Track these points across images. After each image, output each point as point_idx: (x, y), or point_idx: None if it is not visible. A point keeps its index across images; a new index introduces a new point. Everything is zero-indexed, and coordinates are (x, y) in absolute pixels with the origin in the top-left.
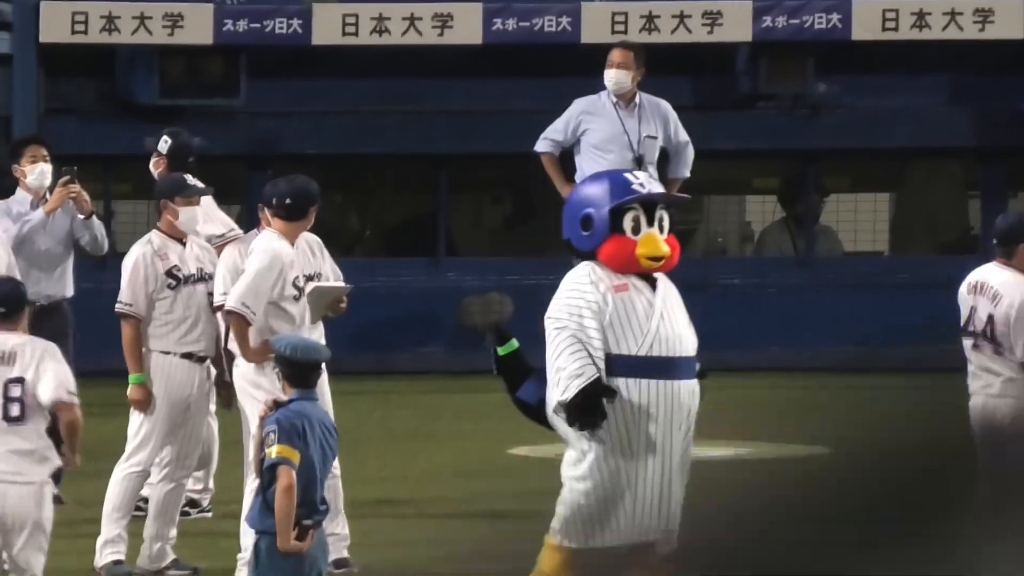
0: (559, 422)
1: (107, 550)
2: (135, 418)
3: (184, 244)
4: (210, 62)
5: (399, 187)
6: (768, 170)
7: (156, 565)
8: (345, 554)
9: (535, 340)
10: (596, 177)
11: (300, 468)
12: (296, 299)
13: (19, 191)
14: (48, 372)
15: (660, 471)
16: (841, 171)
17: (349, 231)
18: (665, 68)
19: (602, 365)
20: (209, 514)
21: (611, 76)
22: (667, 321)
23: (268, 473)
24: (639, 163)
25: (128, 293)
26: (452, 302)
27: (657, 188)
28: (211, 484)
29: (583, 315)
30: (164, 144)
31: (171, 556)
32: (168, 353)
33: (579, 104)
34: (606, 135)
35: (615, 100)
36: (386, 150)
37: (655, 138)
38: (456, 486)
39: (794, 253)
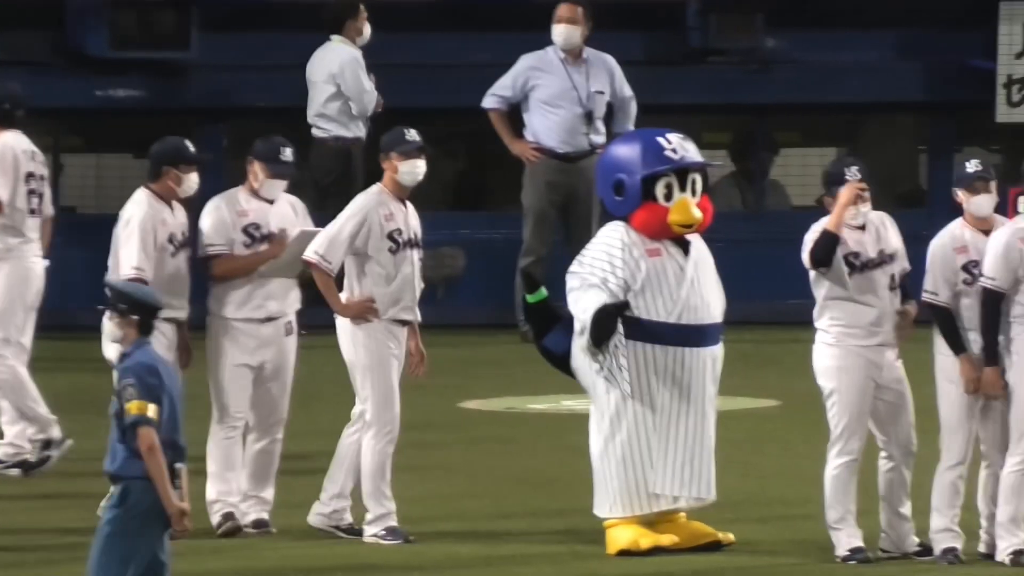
0: (582, 374)
1: None
2: None
3: (172, 208)
4: (162, 14)
5: None
6: (719, 125)
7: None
8: (265, 516)
9: (489, 294)
10: (628, 139)
11: (163, 415)
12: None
13: None
14: None
15: (687, 434)
16: (791, 126)
17: (302, 184)
18: (616, 23)
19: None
20: None
21: (559, 32)
22: (697, 288)
23: (130, 430)
24: (588, 118)
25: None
26: None
27: (691, 151)
28: None
29: (607, 280)
30: None
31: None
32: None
33: (527, 60)
34: (555, 91)
35: (563, 56)
36: None
37: (603, 93)
38: (406, 439)
39: (743, 208)
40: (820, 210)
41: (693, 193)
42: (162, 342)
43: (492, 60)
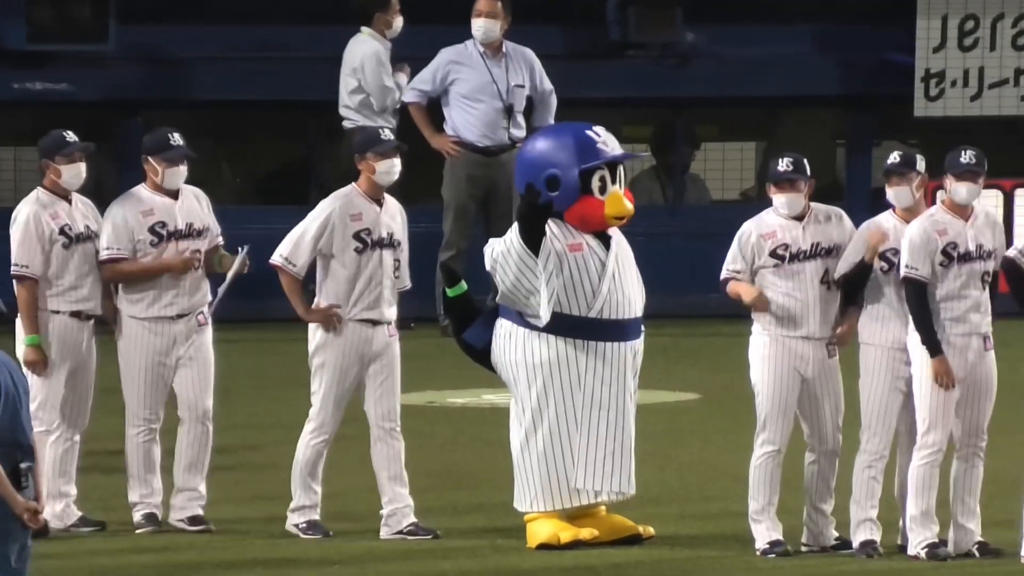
0: (502, 368)
1: None
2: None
3: (70, 202)
4: (79, 7)
5: (271, 134)
6: (638, 119)
7: (63, 523)
8: (199, 512)
9: (417, 286)
10: (554, 134)
11: (2, 414)
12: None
13: None
14: None
15: (608, 429)
16: (711, 120)
17: (220, 179)
18: (536, 17)
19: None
20: None
21: (479, 25)
22: (618, 282)
23: None
24: (508, 112)
25: (23, 254)
26: None
27: (615, 144)
28: None
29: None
30: None
31: (77, 513)
32: (59, 312)
33: (446, 54)
34: (475, 84)
35: (482, 50)
36: (258, 97)
37: (523, 87)
38: None
39: (663, 201)
40: (740, 204)
41: (619, 185)
42: (70, 337)
43: (411, 54)
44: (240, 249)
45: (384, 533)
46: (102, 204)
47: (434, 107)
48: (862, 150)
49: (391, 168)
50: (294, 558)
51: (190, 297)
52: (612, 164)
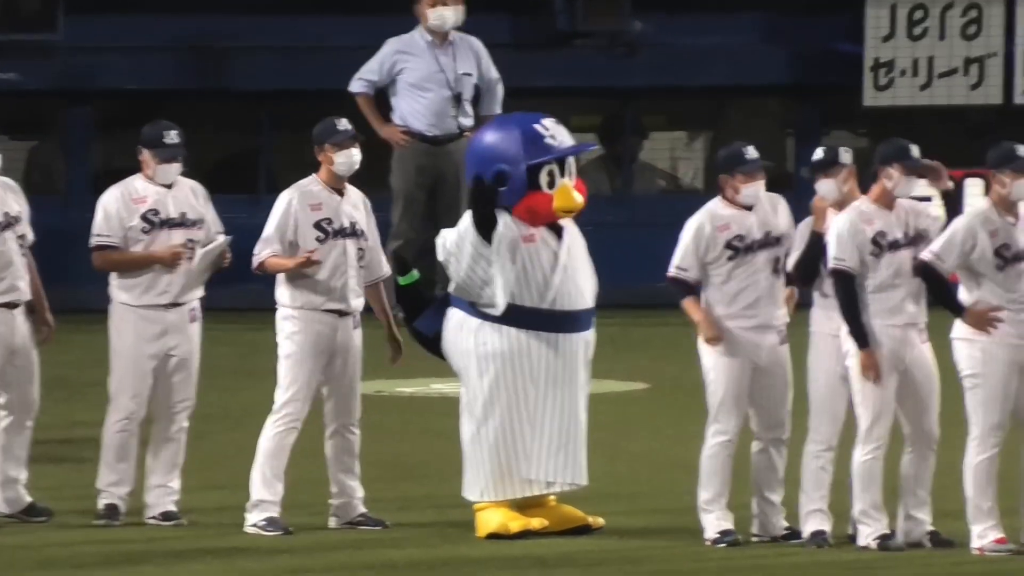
0: (455, 357)
1: None
2: None
3: None
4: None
5: (220, 124)
6: (587, 109)
7: (14, 509)
8: (173, 507)
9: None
10: (502, 127)
11: None
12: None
13: None
14: None
15: (560, 419)
16: (658, 110)
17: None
18: (483, 6)
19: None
20: None
21: (443, 15)
22: (570, 273)
23: None
24: (457, 100)
25: None
26: None
27: (564, 135)
28: None
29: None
30: None
31: (27, 499)
32: None
33: (393, 44)
34: (423, 74)
35: (429, 39)
36: (207, 86)
37: (471, 75)
38: None
39: (611, 191)
40: (688, 193)
41: (570, 177)
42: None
43: (360, 43)
44: (218, 238)
45: (333, 523)
46: (53, 194)
47: (381, 97)
48: (810, 140)
49: (349, 159)
50: (244, 547)
51: (182, 288)
52: (561, 158)
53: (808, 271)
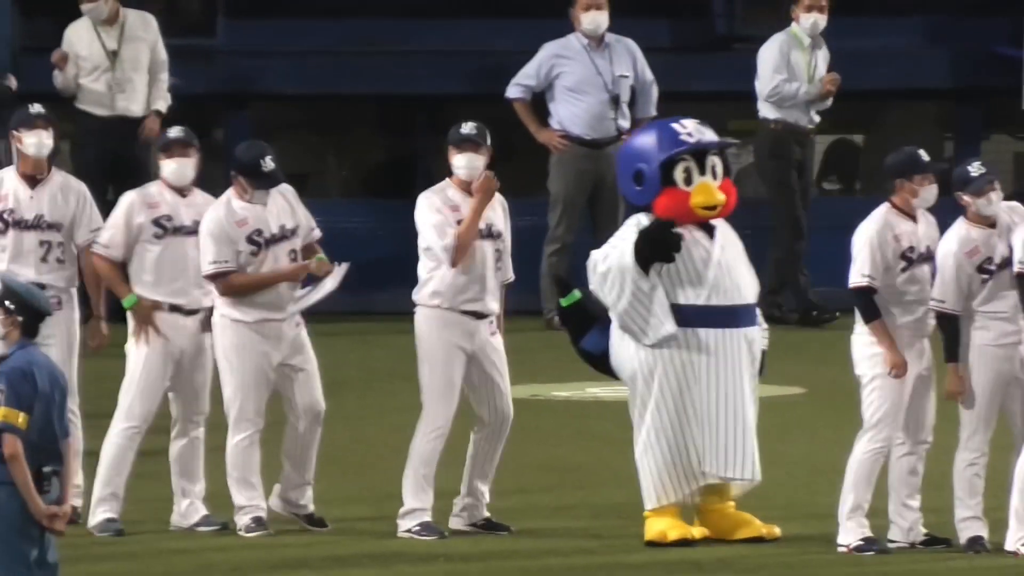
0: (623, 369)
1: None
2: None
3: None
4: (187, 1)
5: (378, 128)
6: (745, 113)
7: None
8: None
9: (518, 279)
10: (645, 129)
11: (33, 417)
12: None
13: None
14: None
15: (730, 416)
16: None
17: (327, 172)
18: (643, 10)
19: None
20: None
21: (590, 18)
22: (725, 269)
23: None
24: (615, 103)
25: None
26: None
27: (707, 135)
28: None
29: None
30: None
31: (201, 511)
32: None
33: (550, 48)
34: (580, 77)
35: (586, 42)
36: (365, 90)
37: (627, 77)
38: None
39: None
40: (844, 196)
41: (714, 176)
42: None
43: (520, 47)
44: (337, 265)
45: (457, 523)
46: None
47: (538, 101)
48: (972, 143)
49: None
50: (406, 553)
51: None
52: (698, 154)
53: None
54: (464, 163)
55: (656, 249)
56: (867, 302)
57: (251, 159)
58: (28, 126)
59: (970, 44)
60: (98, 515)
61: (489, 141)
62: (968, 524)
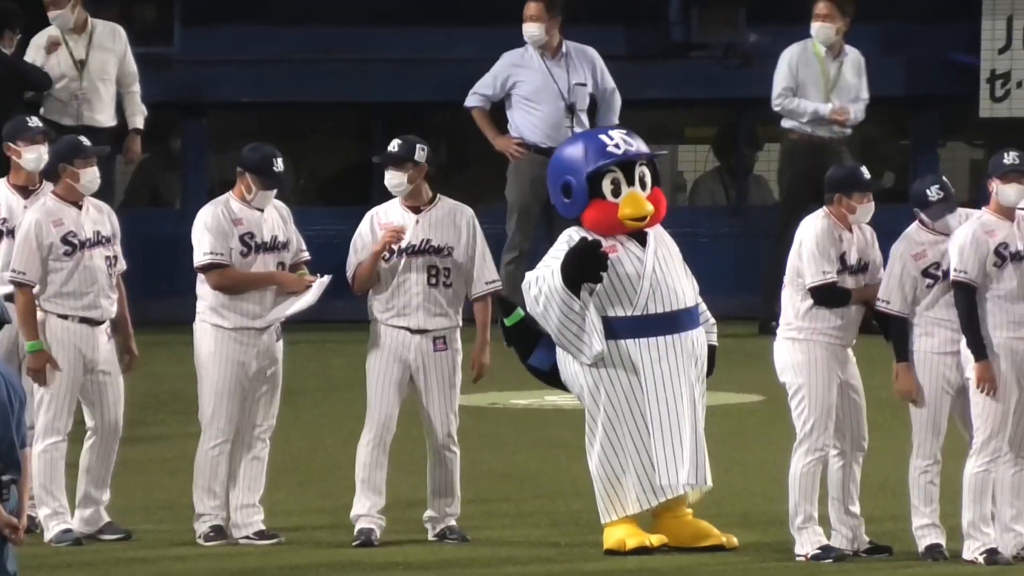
0: (572, 385)
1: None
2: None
3: (80, 207)
4: (143, 8)
5: (335, 136)
6: (701, 119)
7: (91, 528)
8: (262, 526)
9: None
10: (572, 141)
11: None
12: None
13: None
14: None
15: (677, 424)
16: (774, 120)
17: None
18: (599, 17)
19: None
20: None
21: (526, 30)
22: (660, 276)
23: None
24: (571, 111)
25: (21, 261)
26: None
27: (636, 145)
28: None
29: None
30: None
31: (105, 519)
32: (66, 317)
33: (507, 58)
34: (536, 86)
35: (541, 51)
36: (322, 98)
37: (584, 85)
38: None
39: (726, 202)
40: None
41: (643, 186)
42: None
43: (477, 55)
44: (319, 276)
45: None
46: (166, 207)
47: (496, 110)
48: (927, 151)
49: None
50: (393, 563)
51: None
52: (627, 165)
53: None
54: (387, 179)
55: (583, 270)
56: (837, 296)
57: (263, 158)
58: (28, 140)
59: (926, 52)
60: (52, 528)
61: (421, 156)
62: (925, 532)
